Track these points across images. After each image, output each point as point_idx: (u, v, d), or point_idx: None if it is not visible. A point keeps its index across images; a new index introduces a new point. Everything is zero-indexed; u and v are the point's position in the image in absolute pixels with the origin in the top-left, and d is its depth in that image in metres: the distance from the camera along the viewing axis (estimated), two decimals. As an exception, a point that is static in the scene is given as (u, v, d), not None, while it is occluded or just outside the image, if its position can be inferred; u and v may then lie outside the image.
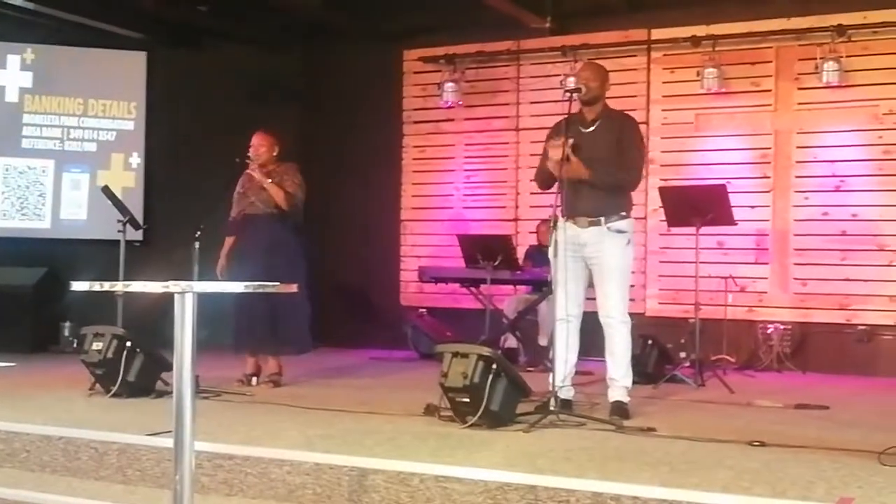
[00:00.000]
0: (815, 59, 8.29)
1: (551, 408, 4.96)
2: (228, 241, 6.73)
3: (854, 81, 8.24)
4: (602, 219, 5.32)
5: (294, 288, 3.87)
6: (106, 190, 7.41)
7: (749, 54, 8.65)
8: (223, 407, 5.63)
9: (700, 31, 8.70)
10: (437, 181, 9.91)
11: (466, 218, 9.72)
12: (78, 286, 3.39)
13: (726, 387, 6.65)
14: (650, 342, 7.17)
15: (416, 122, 10.04)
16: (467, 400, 4.87)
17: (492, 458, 4.11)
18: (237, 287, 3.67)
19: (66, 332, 9.23)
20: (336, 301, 9.78)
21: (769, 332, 8.44)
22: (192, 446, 3.28)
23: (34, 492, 4.33)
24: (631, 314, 5.46)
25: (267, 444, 4.36)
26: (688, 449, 4.40)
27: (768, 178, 8.60)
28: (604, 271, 5.34)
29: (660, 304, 8.86)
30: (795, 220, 8.51)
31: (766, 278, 8.57)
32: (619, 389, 5.39)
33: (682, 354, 7.54)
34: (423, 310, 9.44)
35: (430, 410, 5.19)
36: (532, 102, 9.45)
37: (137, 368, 6.00)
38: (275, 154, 6.70)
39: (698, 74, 8.66)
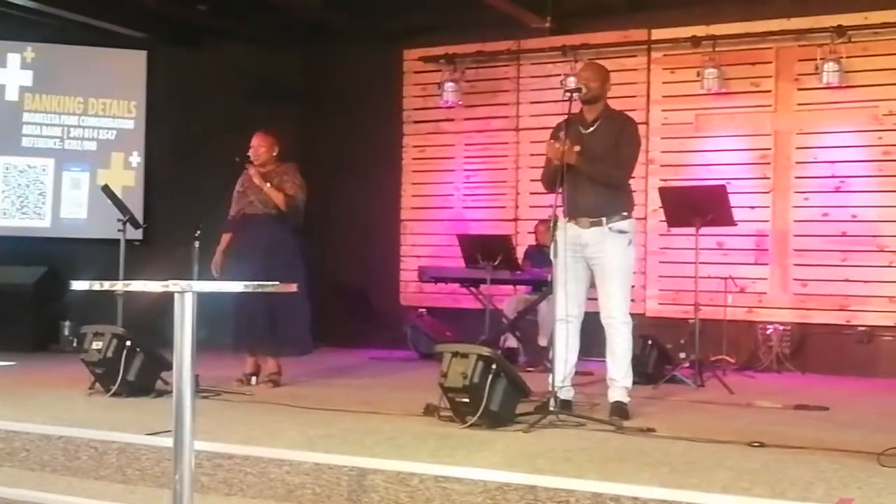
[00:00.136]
0: (816, 59, 8.29)
1: (551, 408, 4.96)
2: (225, 237, 6.72)
3: (854, 82, 8.24)
4: (603, 219, 5.32)
5: (293, 287, 3.87)
6: (106, 189, 7.41)
7: (749, 55, 8.65)
8: (223, 406, 5.63)
9: (700, 31, 8.70)
10: (437, 181, 9.91)
11: (466, 218, 9.72)
12: (78, 285, 3.39)
13: (726, 387, 6.65)
14: (650, 343, 7.17)
15: (416, 122, 10.04)
16: (467, 400, 4.87)
17: (491, 459, 4.11)
18: (237, 287, 3.67)
19: (66, 332, 9.23)
20: (336, 301, 9.78)
21: (769, 332, 8.44)
22: (192, 446, 3.28)
23: (34, 491, 4.33)
24: (631, 314, 5.46)
25: (266, 444, 4.36)
26: (687, 449, 4.40)
27: (768, 178, 8.60)
28: (605, 272, 5.34)
29: (659, 304, 8.86)
30: (795, 221, 8.51)
31: (765, 279, 8.57)
32: (619, 390, 5.39)
33: (682, 355, 7.53)
34: (423, 310, 9.44)
35: (430, 410, 5.19)
36: (532, 102, 9.45)
37: (137, 368, 6.00)
38: (274, 154, 6.70)
39: (698, 75, 8.66)
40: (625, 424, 5.02)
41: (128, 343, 6.00)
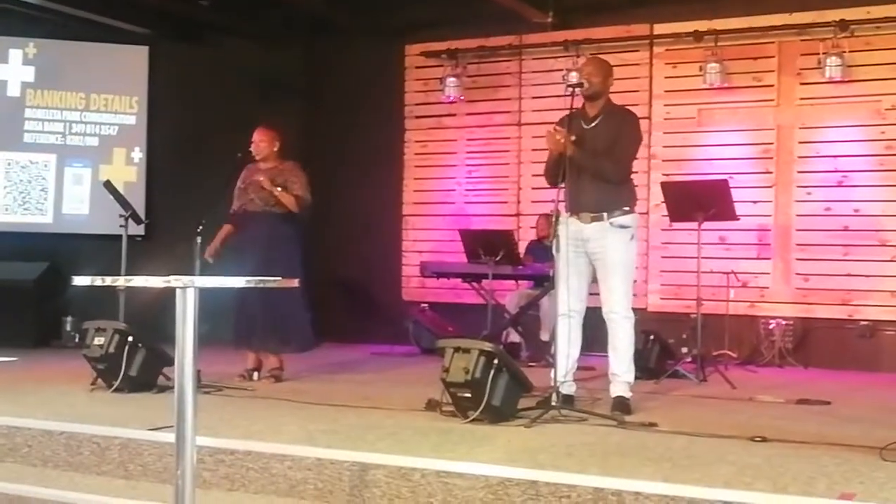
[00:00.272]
0: (818, 54, 8.28)
1: (553, 403, 4.96)
2: (226, 227, 6.72)
3: (857, 76, 8.23)
4: (605, 214, 5.32)
5: (295, 283, 3.87)
6: (108, 185, 7.41)
7: (751, 49, 8.64)
8: (224, 402, 5.63)
9: (702, 26, 8.68)
10: (439, 176, 9.91)
11: (468, 213, 9.72)
12: (80, 281, 3.40)
13: (728, 382, 6.65)
14: (652, 337, 7.18)
15: (417, 117, 10.03)
16: (469, 395, 4.87)
17: (493, 454, 4.12)
18: (238, 282, 3.67)
19: (68, 327, 9.23)
20: (338, 296, 9.80)
21: (771, 327, 8.44)
22: (194, 441, 3.28)
23: (36, 487, 4.33)
24: (633, 309, 5.46)
25: (268, 439, 4.36)
26: (689, 444, 4.40)
27: (770, 173, 8.59)
28: (607, 266, 5.33)
29: (662, 299, 8.86)
30: (797, 216, 8.50)
31: (768, 273, 8.57)
32: (621, 385, 5.38)
33: (684, 350, 7.53)
34: (425, 305, 9.44)
35: (432, 405, 5.19)
36: (534, 97, 9.44)
37: (139, 363, 6.01)
38: (275, 149, 6.70)
39: (700, 69, 8.65)
40: (627, 419, 5.02)
41: (130, 339, 6.00)
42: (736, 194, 7.34)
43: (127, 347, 5.97)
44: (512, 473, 3.75)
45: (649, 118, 8.80)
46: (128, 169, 9.90)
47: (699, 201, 7.08)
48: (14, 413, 5.01)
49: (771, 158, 8.60)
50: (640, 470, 3.79)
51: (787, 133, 8.57)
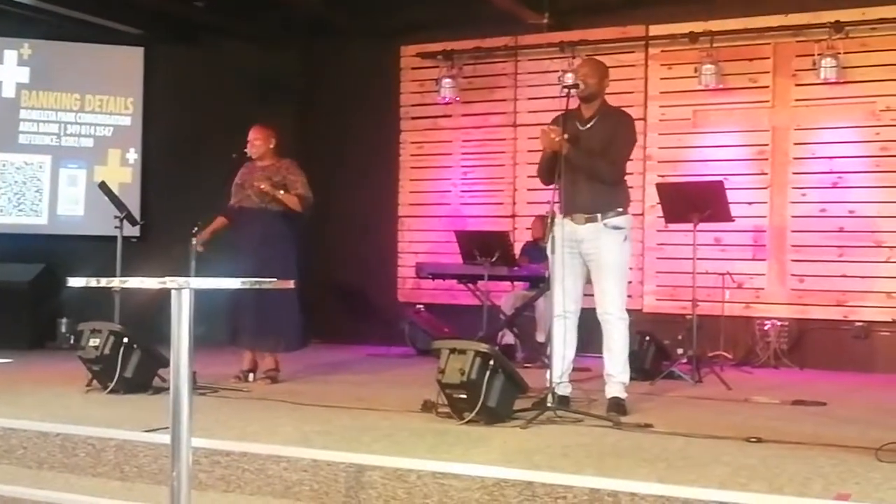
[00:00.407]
0: (813, 55, 8.29)
1: (549, 404, 4.97)
2: (219, 219, 6.68)
3: (852, 78, 8.25)
4: (599, 215, 5.32)
5: (291, 284, 3.87)
6: (103, 186, 7.40)
7: (747, 51, 8.65)
8: (220, 403, 5.63)
9: (698, 27, 8.69)
10: (435, 177, 9.91)
11: (464, 214, 9.72)
12: (75, 282, 3.39)
13: (723, 383, 6.65)
14: (647, 338, 7.18)
15: (413, 118, 10.03)
16: (464, 396, 4.87)
17: (489, 455, 4.12)
18: (234, 283, 3.67)
19: (63, 329, 9.23)
20: (333, 297, 9.80)
21: (766, 328, 8.45)
22: (190, 442, 3.28)
23: (31, 488, 4.33)
24: (628, 310, 5.46)
25: (264, 441, 4.36)
26: (685, 445, 4.41)
27: (766, 174, 8.60)
28: (601, 268, 5.34)
29: (657, 300, 8.86)
30: (793, 217, 8.51)
31: (763, 275, 8.58)
32: (617, 385, 5.39)
33: (680, 351, 7.54)
34: (421, 306, 9.44)
35: (428, 407, 5.19)
36: (530, 98, 9.45)
37: (134, 365, 6.00)
38: (272, 146, 6.68)
39: (696, 71, 8.66)
40: (622, 420, 5.02)
41: (125, 340, 6.00)
42: (731, 195, 7.35)
43: (122, 349, 5.96)
44: (508, 474, 3.75)
45: (645, 119, 8.81)
46: (123, 170, 9.89)
47: (694, 202, 7.09)
48: (9, 415, 5.00)
49: (766, 159, 8.61)
50: (636, 471, 3.80)
51: (782, 134, 8.58)
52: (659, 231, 8.74)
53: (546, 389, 5.05)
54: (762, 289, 8.57)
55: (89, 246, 9.01)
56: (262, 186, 6.48)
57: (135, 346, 6.01)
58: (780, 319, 8.44)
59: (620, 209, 5.39)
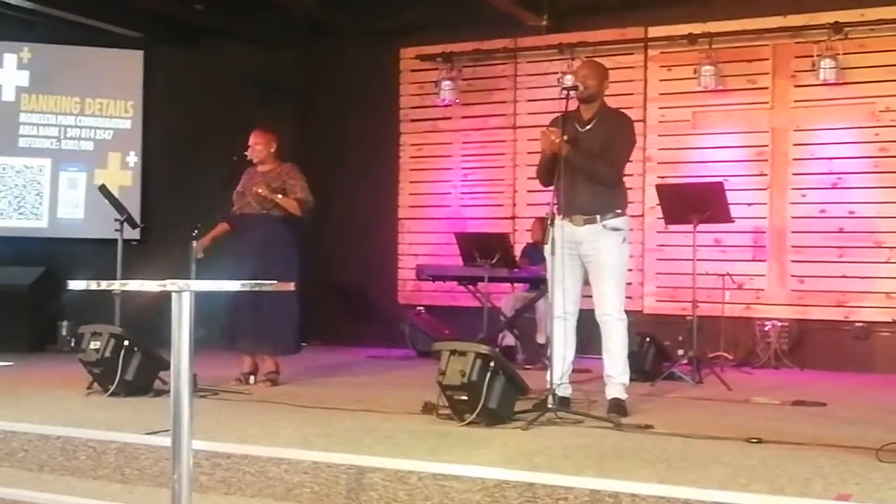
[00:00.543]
0: (812, 56, 8.30)
1: (549, 405, 4.97)
2: (221, 226, 6.70)
3: (851, 79, 8.25)
4: (598, 216, 5.32)
5: (291, 287, 3.87)
6: (103, 189, 7.41)
7: (746, 52, 8.66)
8: (221, 406, 5.63)
9: (697, 28, 8.70)
10: (435, 179, 9.91)
11: (464, 216, 9.72)
12: (75, 285, 3.39)
13: (724, 384, 6.65)
14: (648, 340, 7.18)
15: (413, 121, 10.03)
16: (465, 398, 4.87)
17: (490, 456, 4.12)
18: (234, 286, 3.67)
19: (64, 332, 9.23)
20: (334, 299, 9.80)
21: (766, 329, 8.45)
22: (190, 445, 3.28)
23: (32, 491, 4.33)
24: (628, 312, 5.47)
25: (265, 443, 4.36)
26: (685, 446, 4.41)
27: (765, 175, 8.60)
28: (600, 269, 5.34)
29: (657, 301, 8.87)
30: (792, 218, 8.51)
31: (763, 275, 8.58)
32: (617, 386, 5.39)
33: (680, 352, 7.55)
34: (421, 308, 9.44)
35: (428, 408, 5.19)
36: (529, 100, 9.45)
37: (135, 367, 6.00)
38: (272, 150, 6.69)
39: (695, 72, 8.66)
40: (623, 421, 5.03)
41: (126, 343, 6.00)
42: (731, 196, 7.35)
43: (123, 351, 5.97)
44: (508, 476, 3.75)
45: (644, 121, 8.81)
46: (123, 173, 9.89)
47: (694, 204, 7.09)
48: (10, 418, 5.00)
49: (766, 161, 8.61)
50: (637, 472, 3.80)
51: (781, 135, 8.58)
52: (659, 232, 8.74)
53: (546, 391, 5.05)
54: (762, 290, 8.57)
55: (89, 249, 9.01)
56: (260, 191, 6.48)
57: (135, 348, 6.01)
58: (780, 320, 8.44)
59: (619, 211, 5.39)
